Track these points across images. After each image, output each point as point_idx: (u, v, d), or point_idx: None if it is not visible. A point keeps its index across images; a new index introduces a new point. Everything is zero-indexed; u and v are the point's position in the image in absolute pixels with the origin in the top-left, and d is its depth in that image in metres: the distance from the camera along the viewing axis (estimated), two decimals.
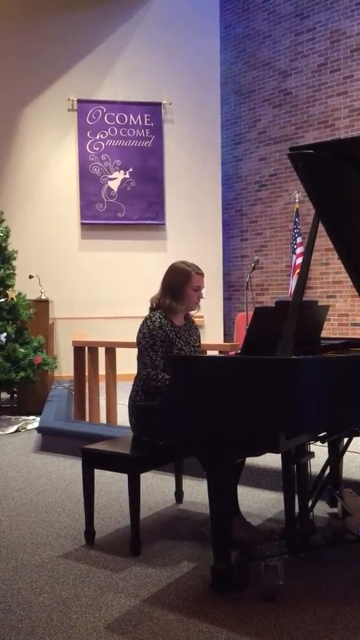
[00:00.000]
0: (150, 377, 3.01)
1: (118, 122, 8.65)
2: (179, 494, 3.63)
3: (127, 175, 8.67)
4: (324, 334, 3.44)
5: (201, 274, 3.18)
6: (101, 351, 5.32)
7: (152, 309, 3.20)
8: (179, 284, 3.13)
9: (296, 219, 8.58)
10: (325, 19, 8.41)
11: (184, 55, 8.86)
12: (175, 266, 3.20)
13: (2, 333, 6.04)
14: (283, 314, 2.53)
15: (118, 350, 5.26)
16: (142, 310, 3.28)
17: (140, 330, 3.10)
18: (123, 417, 4.53)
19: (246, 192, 9.59)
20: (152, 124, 8.74)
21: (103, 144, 8.62)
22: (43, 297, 7.11)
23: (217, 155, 9.15)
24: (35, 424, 5.62)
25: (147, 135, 8.75)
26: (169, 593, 2.51)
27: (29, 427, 5.85)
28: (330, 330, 8.08)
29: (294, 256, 8.53)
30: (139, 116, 8.70)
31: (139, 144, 8.73)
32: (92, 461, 3.10)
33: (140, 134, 8.73)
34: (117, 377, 5.29)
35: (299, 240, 8.49)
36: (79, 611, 2.38)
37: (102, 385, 5.30)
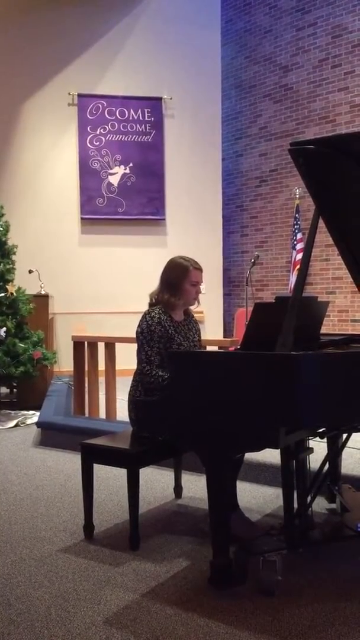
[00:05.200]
0: (144, 372, 3.03)
1: (118, 116, 8.62)
2: (178, 489, 3.64)
3: (128, 171, 8.65)
4: (323, 330, 3.44)
5: (199, 269, 3.17)
6: (101, 346, 5.32)
7: (151, 305, 3.20)
8: (177, 279, 3.12)
9: (296, 215, 8.57)
10: (327, 14, 8.38)
11: (184, 50, 8.83)
12: (173, 261, 3.19)
13: (1, 328, 6.04)
14: (283, 309, 2.53)
15: (118, 345, 5.26)
16: (142, 306, 3.28)
17: (139, 325, 3.10)
18: (122, 412, 4.54)
19: (247, 187, 9.57)
20: (152, 118, 8.72)
21: (103, 139, 8.60)
22: (43, 292, 7.11)
23: (218, 150, 9.12)
24: (35, 419, 5.62)
25: (147, 130, 8.72)
26: (168, 588, 2.52)
27: (29, 421, 5.85)
28: (330, 326, 8.08)
29: (294, 252, 8.52)
30: (139, 111, 8.68)
31: (139, 139, 8.70)
32: (92, 456, 3.10)
33: (140, 129, 8.71)
34: (116, 372, 5.29)
35: (299, 236, 8.48)
36: (78, 605, 2.38)
37: (102, 380, 5.30)
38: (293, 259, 8.53)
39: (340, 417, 2.48)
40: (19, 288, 6.42)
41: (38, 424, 5.23)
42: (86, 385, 5.35)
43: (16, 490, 3.86)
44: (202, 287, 3.23)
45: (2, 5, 8.36)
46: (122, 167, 8.64)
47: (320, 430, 2.84)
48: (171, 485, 3.70)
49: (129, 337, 4.21)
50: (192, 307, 3.30)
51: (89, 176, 8.56)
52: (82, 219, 8.59)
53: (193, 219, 8.86)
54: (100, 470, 3.59)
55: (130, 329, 3.62)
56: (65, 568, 2.72)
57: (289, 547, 2.65)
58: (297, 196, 8.58)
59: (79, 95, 8.54)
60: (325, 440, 3.04)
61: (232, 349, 4.22)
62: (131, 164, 8.65)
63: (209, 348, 4.04)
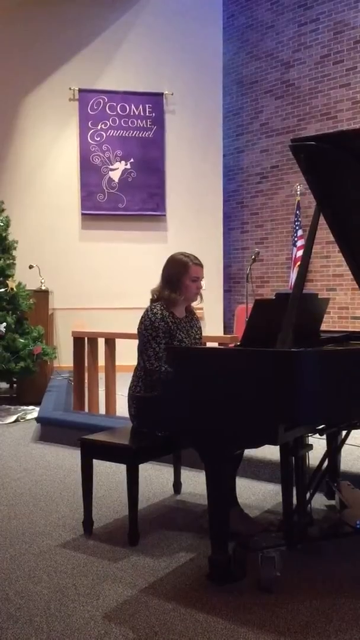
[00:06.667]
0: (154, 369, 2.98)
1: (119, 112, 8.61)
2: (177, 485, 3.64)
3: (128, 166, 8.64)
4: (324, 327, 3.44)
5: (199, 265, 3.16)
6: (101, 342, 5.32)
7: (152, 301, 3.19)
8: (177, 275, 3.12)
9: (297, 212, 8.56)
10: (329, 10, 8.35)
11: (186, 45, 8.80)
12: (173, 257, 3.19)
13: (1, 323, 6.04)
14: (283, 306, 2.53)
15: (118, 341, 5.25)
16: (142, 302, 3.27)
17: (142, 322, 3.09)
18: (122, 407, 4.54)
19: (247, 184, 9.55)
20: (153, 114, 8.70)
21: (104, 134, 8.58)
22: (43, 288, 7.11)
23: (219, 146, 9.10)
24: (35, 414, 5.62)
25: (148, 125, 8.70)
26: (166, 583, 2.52)
27: (28, 417, 5.86)
28: (330, 323, 8.08)
29: (295, 249, 8.51)
30: (140, 106, 8.66)
31: (140, 135, 8.69)
32: (91, 451, 3.10)
33: (141, 125, 8.69)
34: (116, 367, 5.29)
35: (299, 232, 8.47)
36: (77, 600, 2.39)
37: (102, 375, 5.30)
38: (294, 256, 8.53)
39: (340, 414, 2.48)
40: (19, 283, 6.42)
41: (38, 419, 5.24)
42: (86, 380, 5.35)
43: (15, 485, 3.86)
44: (203, 283, 3.22)
45: (2, 1, 8.33)
46: (123, 162, 8.63)
47: (320, 427, 2.84)
48: (170, 481, 3.71)
49: (129, 333, 4.21)
50: (194, 303, 3.29)
51: (90, 171, 8.55)
52: (82, 214, 8.59)
53: (193, 215, 8.85)
54: (100, 466, 3.59)
55: (130, 325, 3.62)
56: (64, 563, 2.72)
57: (287, 543, 2.66)
58: (298, 193, 8.56)
59: (80, 91, 8.52)
60: (324, 437, 3.04)
61: (232, 345, 4.21)
62: (132, 160, 8.64)
63: (209, 344, 4.04)
